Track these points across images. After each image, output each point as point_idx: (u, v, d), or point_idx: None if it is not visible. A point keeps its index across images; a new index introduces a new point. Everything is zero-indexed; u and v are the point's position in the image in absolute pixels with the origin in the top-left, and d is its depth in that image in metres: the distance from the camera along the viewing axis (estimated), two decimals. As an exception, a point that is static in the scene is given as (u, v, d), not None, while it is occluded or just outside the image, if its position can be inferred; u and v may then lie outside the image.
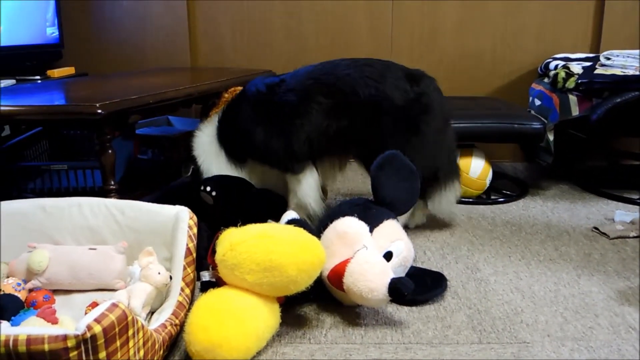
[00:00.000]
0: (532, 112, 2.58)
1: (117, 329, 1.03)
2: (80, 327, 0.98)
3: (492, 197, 2.43)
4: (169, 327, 1.27)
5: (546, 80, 2.61)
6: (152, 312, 1.41)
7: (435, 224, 2.13)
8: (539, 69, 2.80)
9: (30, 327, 1.10)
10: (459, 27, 2.93)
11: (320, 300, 1.53)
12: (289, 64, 2.95)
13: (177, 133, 2.40)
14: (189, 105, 2.20)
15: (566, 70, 2.41)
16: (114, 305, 1.04)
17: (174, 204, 1.59)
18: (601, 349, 1.31)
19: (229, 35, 3.00)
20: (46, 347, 0.97)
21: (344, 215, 1.54)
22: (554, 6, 2.86)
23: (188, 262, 1.46)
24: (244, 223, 1.41)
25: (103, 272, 1.52)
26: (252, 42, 3.00)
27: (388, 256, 1.49)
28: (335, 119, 1.85)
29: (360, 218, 1.52)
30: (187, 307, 1.38)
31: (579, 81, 2.28)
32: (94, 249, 1.55)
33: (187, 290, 1.42)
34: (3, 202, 1.59)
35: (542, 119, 2.39)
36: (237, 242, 1.31)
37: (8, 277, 1.51)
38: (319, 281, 1.42)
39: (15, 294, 1.42)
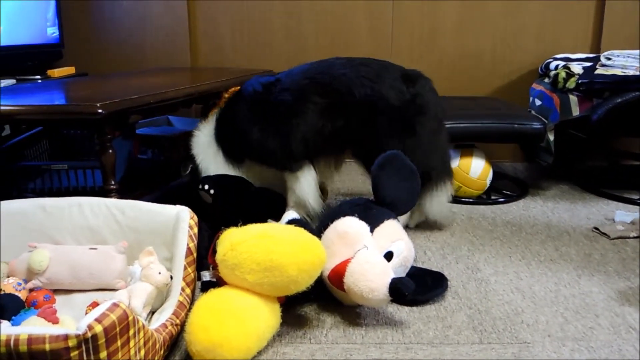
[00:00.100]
0: (533, 112, 2.58)
1: (118, 329, 1.03)
2: (81, 327, 0.98)
3: (493, 197, 2.43)
4: (170, 327, 1.27)
5: (547, 80, 2.61)
6: (152, 312, 1.41)
7: (435, 224, 2.13)
8: (539, 69, 2.80)
9: (31, 327, 1.09)
10: (459, 27, 2.93)
11: (320, 300, 1.53)
12: (288, 64, 2.94)
13: (177, 133, 2.40)
14: (189, 105, 2.20)
15: (567, 71, 2.41)
16: (115, 305, 1.04)
17: (174, 203, 1.59)
18: (602, 349, 1.31)
19: (229, 35, 3.00)
20: (47, 346, 0.97)
21: (344, 215, 1.54)
22: (554, 6, 2.87)
23: (189, 262, 1.46)
24: (243, 222, 1.41)
25: (103, 272, 1.51)
26: (252, 42, 3.00)
27: (389, 256, 1.49)
28: (330, 119, 1.85)
29: (361, 218, 1.52)
30: (187, 307, 1.38)
31: (580, 81, 2.28)
32: (95, 248, 1.55)
33: (188, 290, 1.42)
34: (3, 202, 1.59)
35: (543, 119, 2.39)
36: (238, 242, 1.31)
37: (8, 276, 1.51)
38: (319, 281, 1.42)
39: (16, 293, 1.42)
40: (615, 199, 2.40)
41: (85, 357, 0.99)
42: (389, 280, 1.36)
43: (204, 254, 1.60)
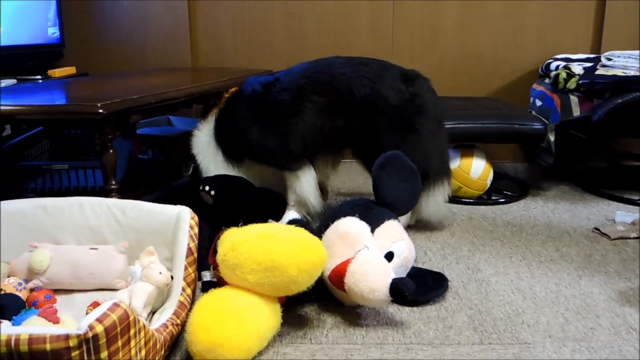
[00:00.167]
0: (533, 112, 2.58)
1: (118, 329, 1.03)
2: (82, 327, 0.98)
3: (493, 198, 2.43)
4: (170, 327, 1.27)
5: (547, 80, 2.61)
6: (153, 312, 1.41)
7: (436, 224, 2.13)
8: (539, 69, 2.80)
9: (31, 327, 1.09)
10: (459, 27, 2.93)
11: (321, 300, 1.53)
12: (289, 64, 2.91)
13: (178, 133, 2.40)
14: (189, 106, 2.20)
15: (567, 71, 2.41)
16: (116, 304, 1.04)
17: (175, 203, 1.59)
18: (602, 350, 1.31)
19: (230, 35, 3.00)
20: (48, 346, 0.97)
21: (345, 216, 1.54)
22: (554, 6, 2.87)
23: (189, 262, 1.46)
24: (244, 222, 1.41)
25: (104, 271, 1.51)
26: (253, 42, 3.00)
27: (389, 256, 1.49)
28: (329, 118, 1.86)
29: (362, 218, 1.52)
30: (188, 307, 1.38)
31: (580, 82, 2.28)
32: (95, 248, 1.55)
33: (189, 290, 1.42)
34: (4, 202, 1.59)
35: (543, 119, 2.39)
36: (239, 242, 1.31)
37: (9, 276, 1.51)
38: (320, 281, 1.42)
39: (17, 293, 1.42)
40: (616, 199, 2.40)
41: (86, 357, 0.99)
42: (390, 281, 1.36)
43: (204, 254, 1.60)
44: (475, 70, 2.97)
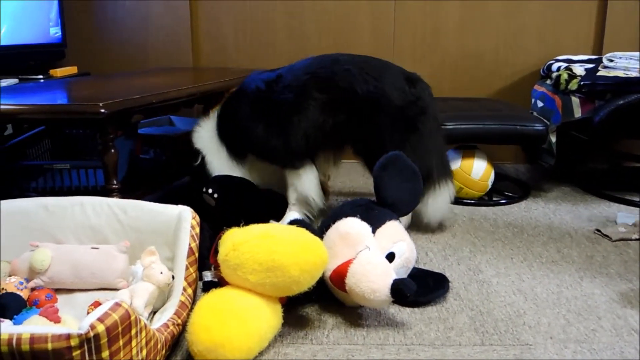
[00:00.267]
0: (535, 113, 2.58)
1: (120, 328, 1.03)
2: (83, 326, 0.98)
3: (494, 199, 2.43)
4: (171, 327, 1.27)
5: (548, 81, 2.61)
6: (154, 312, 1.41)
7: (437, 225, 2.13)
8: (541, 70, 2.80)
9: (33, 326, 1.09)
10: (461, 27, 2.93)
11: (322, 300, 1.53)
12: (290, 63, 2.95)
13: (179, 133, 2.40)
14: (191, 105, 2.20)
15: (569, 72, 2.41)
16: (117, 304, 1.04)
17: (176, 203, 1.59)
18: (604, 352, 1.30)
19: (231, 35, 3.00)
20: (49, 346, 0.97)
21: (346, 216, 1.54)
22: (556, 7, 2.86)
23: (190, 262, 1.46)
24: (245, 222, 1.41)
25: (105, 271, 1.52)
26: (254, 42, 3.00)
27: (390, 257, 1.49)
28: (331, 114, 1.86)
29: (363, 219, 1.52)
30: (189, 307, 1.38)
31: (582, 83, 2.28)
32: (97, 248, 1.55)
33: (190, 290, 1.42)
34: (5, 201, 1.59)
35: (545, 120, 2.39)
36: (240, 242, 1.31)
37: (10, 275, 1.51)
38: (321, 282, 1.41)
39: (18, 292, 1.42)
40: (617, 200, 2.40)
41: (87, 357, 0.99)
42: (391, 281, 1.36)
43: (205, 254, 1.60)
44: (477, 70, 2.97)
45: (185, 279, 1.42)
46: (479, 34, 2.93)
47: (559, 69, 2.51)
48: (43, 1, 2.75)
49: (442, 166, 2.01)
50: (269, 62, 2.99)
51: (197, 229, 1.52)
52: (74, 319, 1.31)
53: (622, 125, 2.39)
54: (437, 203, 2.00)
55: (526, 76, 2.95)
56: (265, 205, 1.95)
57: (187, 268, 1.44)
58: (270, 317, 1.31)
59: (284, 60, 2.98)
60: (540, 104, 2.59)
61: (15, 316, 1.31)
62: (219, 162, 1.97)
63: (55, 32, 2.85)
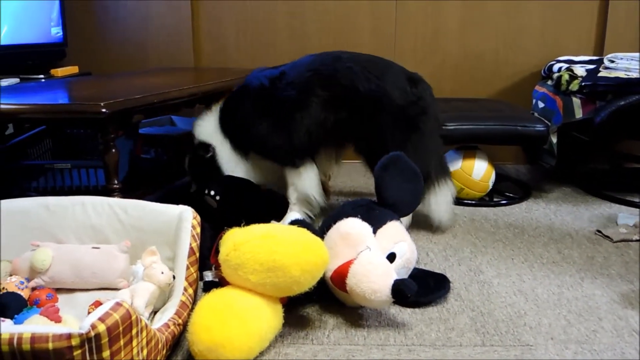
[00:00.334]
0: (536, 114, 2.58)
1: (120, 328, 1.03)
2: (84, 326, 0.98)
3: (495, 200, 2.43)
4: (172, 327, 1.27)
5: (550, 82, 2.60)
6: (155, 312, 1.41)
7: (445, 225, 2.12)
8: (542, 71, 2.80)
9: (34, 326, 1.10)
10: (462, 28, 2.93)
11: (323, 301, 1.53)
12: (292, 64, 2.96)
13: (180, 133, 2.40)
14: (192, 105, 2.20)
15: (570, 73, 2.41)
16: (118, 304, 1.04)
17: (177, 203, 1.59)
18: (604, 352, 1.30)
19: (233, 35, 3.00)
20: (50, 345, 0.97)
21: (347, 216, 1.54)
22: (557, 8, 2.86)
23: (191, 262, 1.46)
24: (246, 222, 1.41)
25: (106, 271, 1.52)
26: (255, 42, 3.00)
27: (391, 257, 1.49)
28: (333, 111, 1.86)
29: (364, 219, 1.52)
30: (190, 306, 1.38)
31: (583, 84, 2.28)
32: (97, 247, 1.55)
33: (190, 290, 1.42)
34: (6, 201, 1.59)
35: (546, 121, 2.39)
36: (241, 242, 1.31)
37: (11, 275, 1.51)
38: (322, 282, 1.41)
39: (18, 292, 1.42)
40: (618, 201, 2.40)
41: (88, 356, 0.99)
42: (392, 282, 1.36)
43: (206, 254, 1.60)
44: (478, 71, 2.97)
45: (186, 278, 1.42)
46: (480, 35, 2.93)
47: (560, 69, 2.51)
48: (44, 1, 2.76)
49: (440, 166, 2.01)
50: (270, 62, 2.98)
51: (198, 229, 1.52)
52: (75, 318, 1.31)
53: (623, 126, 2.39)
54: (439, 203, 2.00)
55: (527, 77, 2.95)
56: (266, 206, 1.95)
57: (187, 268, 1.44)
58: (271, 317, 1.31)
59: (285, 60, 2.96)
60: (541, 104, 2.59)
61: (16, 316, 1.31)
62: (226, 154, 1.98)
63: (56, 31, 2.85)
